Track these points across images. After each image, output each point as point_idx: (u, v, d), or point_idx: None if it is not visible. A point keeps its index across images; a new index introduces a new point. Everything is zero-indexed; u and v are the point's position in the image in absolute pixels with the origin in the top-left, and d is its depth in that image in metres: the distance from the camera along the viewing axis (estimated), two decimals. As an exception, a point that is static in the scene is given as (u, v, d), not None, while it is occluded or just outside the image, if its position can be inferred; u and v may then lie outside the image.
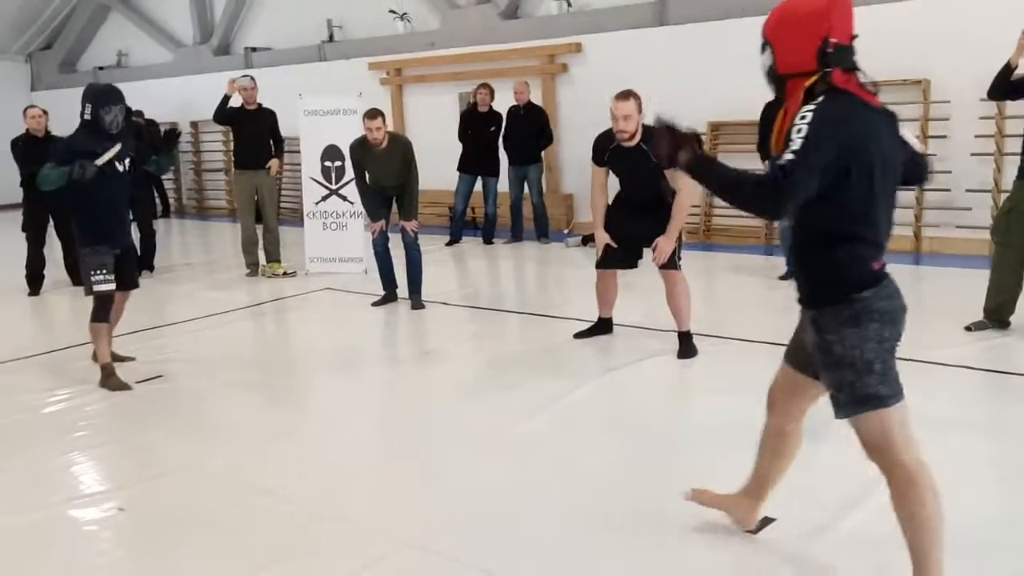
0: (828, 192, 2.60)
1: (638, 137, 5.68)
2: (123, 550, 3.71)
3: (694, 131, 2.80)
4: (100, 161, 5.45)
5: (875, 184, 2.64)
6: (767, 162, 2.78)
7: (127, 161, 5.72)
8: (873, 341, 2.72)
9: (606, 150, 5.87)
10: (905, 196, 8.98)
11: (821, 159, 2.53)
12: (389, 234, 7.65)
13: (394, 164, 7.42)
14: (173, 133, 6.29)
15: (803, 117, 2.58)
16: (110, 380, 5.64)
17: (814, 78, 2.66)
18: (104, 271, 5.62)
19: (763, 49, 2.82)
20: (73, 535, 3.84)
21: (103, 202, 5.61)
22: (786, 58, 2.74)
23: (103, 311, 5.66)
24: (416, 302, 7.56)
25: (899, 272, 9.10)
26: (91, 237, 5.63)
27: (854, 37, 2.72)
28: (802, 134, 2.53)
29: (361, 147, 7.46)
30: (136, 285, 6.02)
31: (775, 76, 2.80)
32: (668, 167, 2.83)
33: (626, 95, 5.67)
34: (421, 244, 7.64)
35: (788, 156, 2.52)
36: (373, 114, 7.32)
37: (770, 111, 8.15)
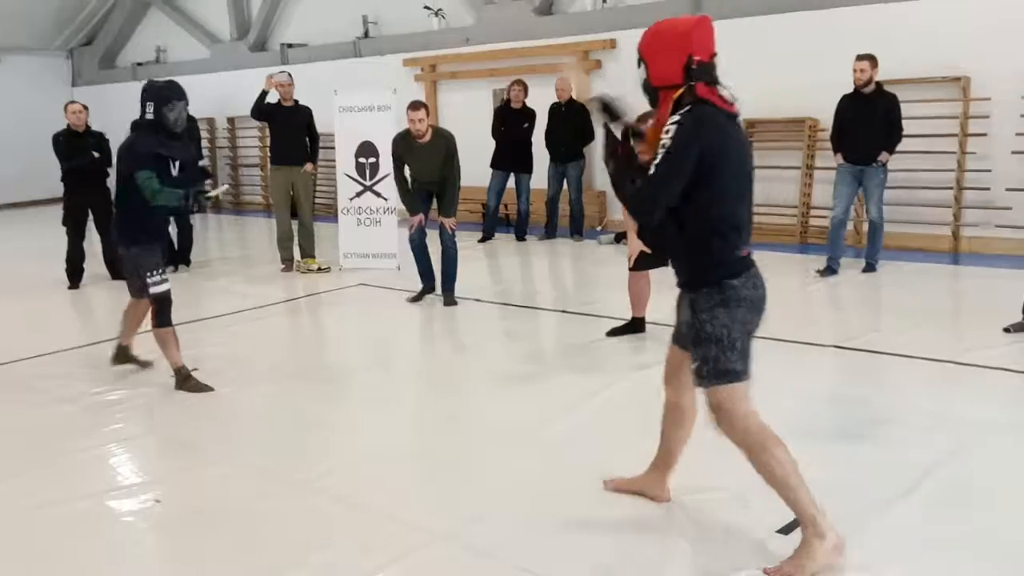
0: (695, 191, 3.04)
1: None
2: (159, 541, 3.77)
3: (626, 120, 3.20)
4: (211, 194, 5.38)
5: (734, 183, 3.09)
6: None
7: (178, 163, 5.47)
8: (739, 323, 3.10)
9: None
10: (943, 195, 8.88)
11: (683, 168, 2.98)
12: (426, 230, 7.64)
13: (436, 158, 7.39)
14: (205, 171, 6.07)
15: (667, 131, 3.01)
16: (188, 382, 5.46)
17: (681, 90, 3.08)
18: (159, 271, 5.43)
19: (638, 64, 3.20)
20: (111, 525, 3.91)
21: (156, 205, 5.33)
22: (657, 72, 3.14)
23: (165, 314, 5.44)
24: (449, 299, 7.55)
25: (937, 272, 9.00)
26: (141, 235, 5.41)
27: (714, 55, 3.14)
28: (666, 148, 2.98)
29: (404, 140, 7.44)
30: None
31: (649, 88, 3.19)
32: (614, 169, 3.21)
33: (646, 117, 5.63)
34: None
35: (652, 171, 3.00)
36: (416, 105, 7.27)
37: (846, 107, 8.04)
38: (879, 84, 7.96)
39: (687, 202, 3.06)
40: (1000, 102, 8.52)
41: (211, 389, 5.40)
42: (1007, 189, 8.55)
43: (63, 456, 4.63)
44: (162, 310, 5.41)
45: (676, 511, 3.70)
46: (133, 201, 5.31)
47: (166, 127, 5.28)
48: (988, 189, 8.71)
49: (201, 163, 5.97)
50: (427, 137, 7.33)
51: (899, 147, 9.00)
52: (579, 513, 3.71)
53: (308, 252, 9.51)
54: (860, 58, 7.89)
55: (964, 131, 8.81)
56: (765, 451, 3.13)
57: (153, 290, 5.39)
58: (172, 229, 7.85)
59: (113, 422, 5.09)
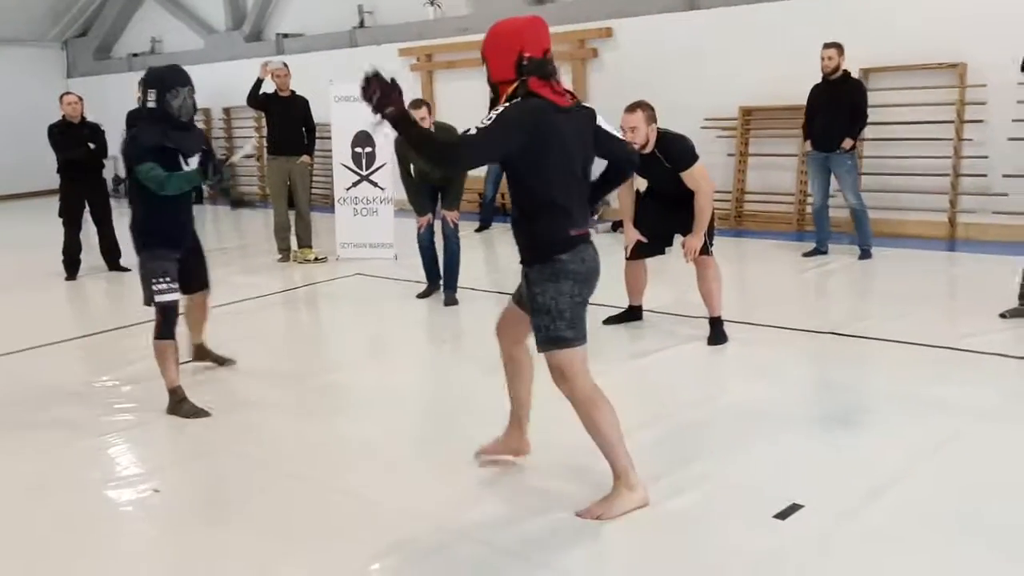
0: (526, 176, 3.37)
1: (651, 145, 5.68)
2: (157, 531, 3.77)
3: (397, 83, 3.29)
4: (233, 159, 4.83)
5: (561, 168, 3.37)
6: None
7: (197, 156, 5.04)
8: (566, 295, 3.40)
9: None
10: (940, 181, 8.89)
11: (498, 141, 3.25)
12: (434, 229, 7.49)
13: None
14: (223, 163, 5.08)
15: (498, 109, 3.29)
16: (182, 406, 4.94)
17: (515, 84, 3.35)
18: (167, 278, 4.95)
19: (483, 62, 3.48)
20: (110, 515, 3.92)
21: (169, 201, 4.91)
22: (495, 69, 3.42)
23: (168, 326, 4.95)
24: (450, 297, 7.34)
25: (933, 259, 9.00)
26: (153, 240, 4.97)
27: (547, 51, 3.40)
28: (490, 120, 3.23)
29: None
30: (208, 285, 5.48)
31: (491, 83, 3.46)
32: (375, 114, 3.27)
33: (633, 107, 5.67)
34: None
35: (472, 131, 3.23)
36: (417, 104, 7.07)
37: (815, 94, 8.11)
38: (846, 72, 8.05)
39: (520, 187, 3.42)
40: (997, 89, 8.51)
41: (207, 414, 4.90)
42: (1004, 175, 8.55)
43: (61, 447, 4.64)
44: (166, 321, 4.95)
45: (682, 500, 3.72)
46: (142, 200, 4.93)
47: (170, 116, 4.86)
48: (985, 176, 8.71)
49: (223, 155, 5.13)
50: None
51: (897, 134, 9.05)
52: (575, 500, 3.72)
53: (305, 242, 9.51)
54: (827, 46, 7.98)
55: (961, 118, 8.81)
56: (595, 409, 3.51)
57: (159, 299, 4.92)
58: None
59: (111, 412, 5.10)
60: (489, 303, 7.36)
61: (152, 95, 4.85)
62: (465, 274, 7.85)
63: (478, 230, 10.92)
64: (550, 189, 3.38)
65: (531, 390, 3.95)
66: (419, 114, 7.07)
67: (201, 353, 5.78)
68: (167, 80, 4.88)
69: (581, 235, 3.45)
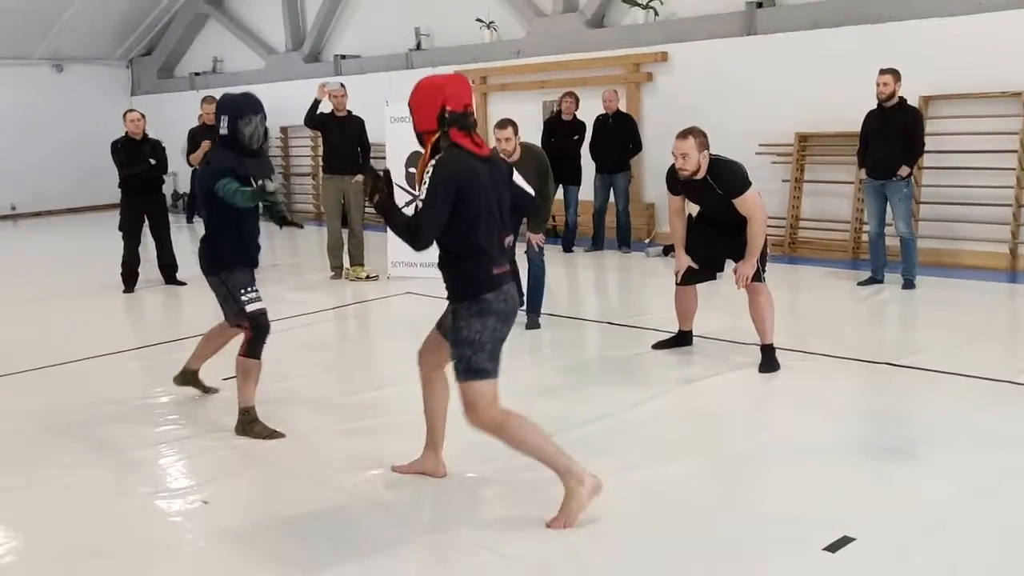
0: (452, 221, 3.60)
1: (703, 172, 5.63)
2: (204, 541, 3.81)
3: (388, 176, 3.75)
4: (270, 188, 4.64)
5: (482, 213, 3.64)
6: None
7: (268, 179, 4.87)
8: (489, 330, 3.65)
9: (677, 181, 5.85)
10: (1001, 212, 8.71)
11: (443, 202, 3.55)
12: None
13: (529, 176, 6.28)
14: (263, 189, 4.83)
15: (428, 171, 3.58)
16: (254, 427, 4.89)
17: (437, 135, 3.66)
18: (254, 288, 4.94)
19: (409, 113, 3.77)
20: (158, 525, 3.98)
21: (247, 227, 4.99)
22: (419, 120, 3.72)
23: (258, 343, 4.90)
24: (532, 321, 7.11)
25: (993, 290, 8.83)
26: (230, 261, 4.94)
27: (467, 106, 3.70)
28: (427, 187, 3.56)
29: None
30: None
31: (416, 133, 3.76)
32: (372, 204, 3.70)
33: (684, 134, 5.63)
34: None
35: (419, 205, 3.57)
36: (503, 124, 6.86)
37: (870, 121, 8.01)
38: (902, 99, 7.92)
39: (447, 231, 3.63)
40: (1061, 118, 8.33)
41: (281, 435, 4.85)
42: (1067, 207, 8.35)
43: (114, 455, 4.73)
44: (258, 337, 4.89)
45: (721, 529, 3.66)
46: (217, 225, 4.94)
47: (241, 143, 4.83)
48: (1048, 206, 8.52)
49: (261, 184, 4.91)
50: (516, 155, 6.82)
51: (957, 163, 8.89)
52: (606, 525, 3.69)
53: (357, 260, 9.61)
54: (883, 72, 7.87)
55: (1023, 147, 8.62)
56: (509, 430, 3.68)
57: (250, 308, 4.88)
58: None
59: (163, 423, 5.18)
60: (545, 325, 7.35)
61: (225, 121, 4.84)
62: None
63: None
64: (476, 233, 3.64)
65: (446, 415, 4.17)
66: (504, 134, 6.80)
67: (190, 380, 5.63)
68: (240, 107, 4.85)
69: (502, 272, 3.72)
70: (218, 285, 4.99)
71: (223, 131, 4.86)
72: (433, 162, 3.61)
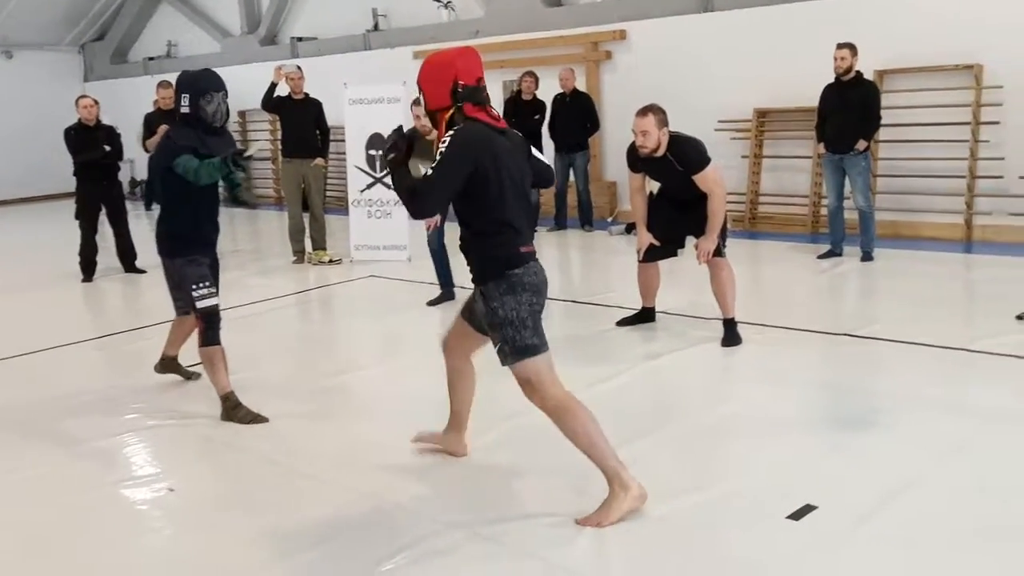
0: (476, 198, 3.48)
1: (663, 149, 5.67)
2: (172, 529, 3.80)
3: (406, 134, 3.65)
4: (248, 153, 4.63)
5: (505, 189, 3.50)
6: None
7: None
8: (525, 305, 3.52)
9: (637, 159, 5.88)
10: (956, 183, 8.85)
11: (452, 174, 3.41)
12: (444, 230, 7.20)
13: None
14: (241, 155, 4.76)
15: (444, 141, 3.44)
16: (237, 412, 4.86)
17: (451, 111, 3.53)
18: (206, 283, 4.89)
19: (419, 92, 3.65)
20: (126, 514, 3.95)
21: (204, 207, 4.93)
22: (431, 98, 3.59)
23: (213, 331, 4.89)
24: None
25: (949, 260, 8.95)
26: (186, 246, 4.89)
27: (479, 79, 3.58)
28: (441, 155, 3.40)
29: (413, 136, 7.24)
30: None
31: (429, 112, 3.64)
32: (385, 159, 3.59)
33: (644, 111, 5.66)
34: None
35: (429, 173, 3.40)
36: (419, 101, 7.02)
37: (828, 96, 8.10)
38: (859, 73, 8.01)
39: (470, 208, 3.53)
40: (1013, 90, 8.47)
41: (265, 420, 4.82)
42: (1020, 177, 8.49)
43: (77, 445, 4.68)
44: (210, 326, 4.88)
45: (688, 501, 3.71)
46: (174, 207, 4.90)
47: (204, 121, 4.77)
48: (1001, 177, 8.66)
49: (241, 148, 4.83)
50: (433, 134, 6.98)
51: (911, 135, 9.01)
52: (592, 502, 3.72)
53: (320, 244, 9.55)
54: (840, 46, 7.95)
55: (977, 119, 8.76)
56: (570, 416, 3.52)
57: (200, 304, 4.85)
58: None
59: (127, 412, 5.13)
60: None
61: (185, 100, 4.77)
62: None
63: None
64: (502, 208, 3.51)
65: (471, 402, 4.16)
66: (420, 110, 6.80)
67: (171, 367, 5.60)
68: (201, 84, 4.79)
69: (529, 252, 3.59)
70: (171, 271, 4.99)
71: (184, 109, 4.78)
72: (450, 132, 3.48)
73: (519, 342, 3.50)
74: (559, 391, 3.54)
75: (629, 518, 3.51)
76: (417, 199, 3.45)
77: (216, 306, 4.92)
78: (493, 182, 3.47)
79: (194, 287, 4.86)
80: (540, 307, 3.60)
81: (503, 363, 3.57)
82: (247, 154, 4.60)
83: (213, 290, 4.93)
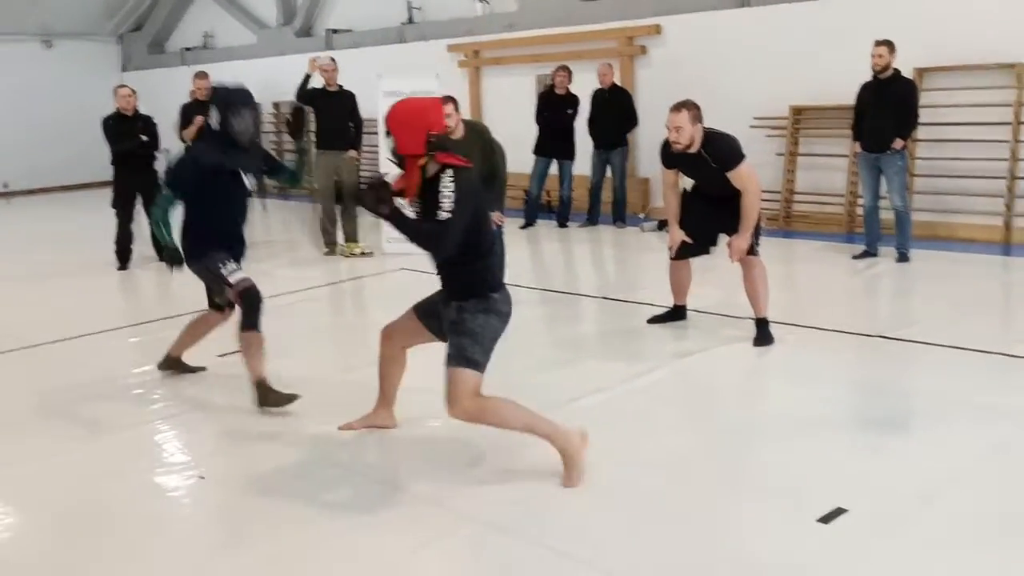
0: (468, 232, 3.81)
1: (697, 145, 5.62)
2: (202, 516, 3.84)
3: (387, 182, 3.86)
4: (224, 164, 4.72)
5: (483, 219, 3.97)
6: (426, 219, 3.83)
7: (252, 176, 5.02)
8: (491, 328, 3.88)
9: (671, 155, 5.83)
10: (995, 184, 8.71)
11: (466, 213, 3.76)
12: None
13: (472, 154, 6.62)
14: (300, 114, 5.08)
15: (447, 185, 3.73)
16: (270, 396, 4.83)
17: (424, 159, 3.80)
18: (229, 260, 4.89)
19: (387, 135, 3.88)
20: (157, 501, 3.99)
21: (227, 219, 5.01)
22: (405, 144, 3.82)
23: (254, 314, 4.81)
24: None
25: (987, 262, 8.83)
26: (203, 247, 4.95)
27: (444, 127, 4.00)
28: (453, 198, 3.71)
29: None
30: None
31: (397, 155, 3.86)
32: (376, 213, 3.81)
33: (678, 107, 5.61)
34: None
35: (445, 214, 3.70)
36: (443, 100, 6.38)
37: (865, 93, 7.99)
38: (897, 71, 7.89)
39: (464, 240, 3.83)
40: (1056, 89, 8.32)
41: (297, 397, 4.85)
42: (1061, 179, 8.35)
43: (111, 432, 4.73)
44: (252, 308, 4.80)
45: (712, 501, 3.69)
46: (194, 213, 4.97)
47: (230, 137, 4.83)
48: (1042, 178, 8.52)
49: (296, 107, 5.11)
50: (459, 133, 6.53)
51: (950, 135, 8.88)
52: (609, 499, 3.71)
53: (351, 236, 9.59)
54: (878, 43, 7.84)
55: (1018, 119, 8.61)
56: (491, 412, 3.85)
57: (234, 278, 4.83)
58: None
59: (161, 399, 5.19)
60: (532, 300, 7.36)
61: (215, 115, 4.86)
62: (509, 271, 7.84)
63: (523, 227, 10.90)
64: (488, 240, 3.96)
65: (402, 378, 4.50)
66: (445, 110, 6.67)
67: (174, 365, 5.57)
68: (232, 101, 4.86)
69: (502, 278, 4.09)
70: (202, 271, 5.03)
71: (213, 125, 4.88)
72: (450, 175, 3.76)
73: (470, 354, 3.81)
74: (472, 402, 3.82)
75: (658, 519, 3.49)
76: (440, 241, 3.77)
77: (254, 285, 4.90)
78: (482, 219, 3.94)
79: (221, 266, 4.88)
80: (499, 335, 3.94)
81: (447, 363, 3.85)
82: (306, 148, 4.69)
83: (240, 268, 4.94)
